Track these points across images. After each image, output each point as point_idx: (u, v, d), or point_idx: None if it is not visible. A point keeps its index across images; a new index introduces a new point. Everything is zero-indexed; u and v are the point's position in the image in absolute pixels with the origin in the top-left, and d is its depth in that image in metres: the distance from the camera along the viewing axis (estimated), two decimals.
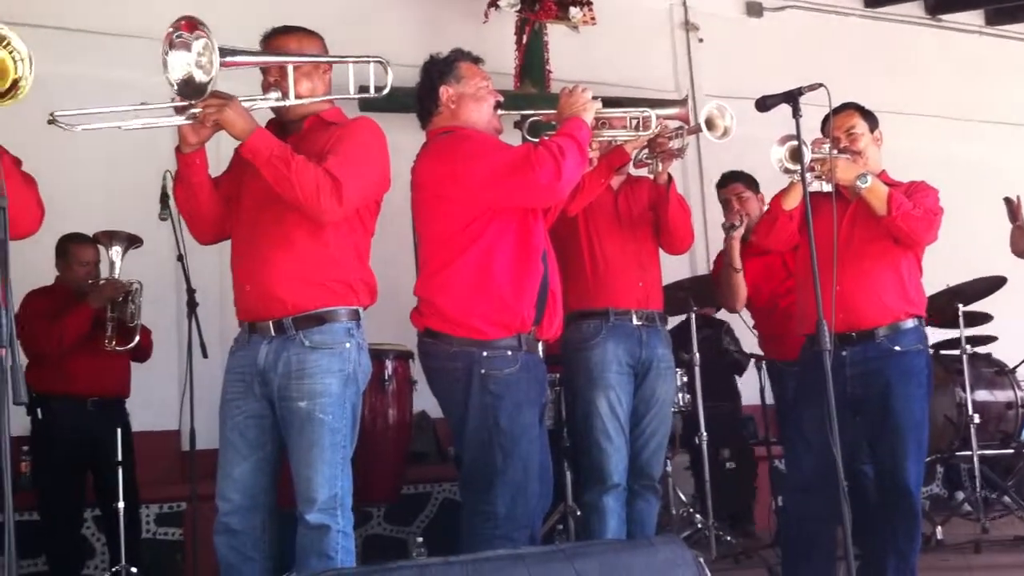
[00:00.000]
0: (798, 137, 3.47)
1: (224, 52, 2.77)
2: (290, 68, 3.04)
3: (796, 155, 3.53)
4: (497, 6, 6.65)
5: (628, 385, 4.01)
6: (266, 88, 3.10)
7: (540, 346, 3.56)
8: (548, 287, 3.41)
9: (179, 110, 2.93)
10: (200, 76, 2.79)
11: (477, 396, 3.26)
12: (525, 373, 3.31)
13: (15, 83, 2.60)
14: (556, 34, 6.92)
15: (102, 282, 4.84)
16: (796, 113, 3.43)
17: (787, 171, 3.67)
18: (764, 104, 3.47)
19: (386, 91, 3.13)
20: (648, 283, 4.12)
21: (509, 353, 3.28)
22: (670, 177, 4.02)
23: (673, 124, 3.85)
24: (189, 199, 3.13)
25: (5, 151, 2.72)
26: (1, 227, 2.20)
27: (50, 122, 2.79)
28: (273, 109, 3.15)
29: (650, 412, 4.06)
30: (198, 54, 2.78)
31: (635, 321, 4.04)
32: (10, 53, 2.60)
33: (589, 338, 4.01)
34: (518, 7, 6.65)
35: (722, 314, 6.00)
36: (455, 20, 6.69)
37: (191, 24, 2.80)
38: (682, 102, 3.96)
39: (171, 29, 2.80)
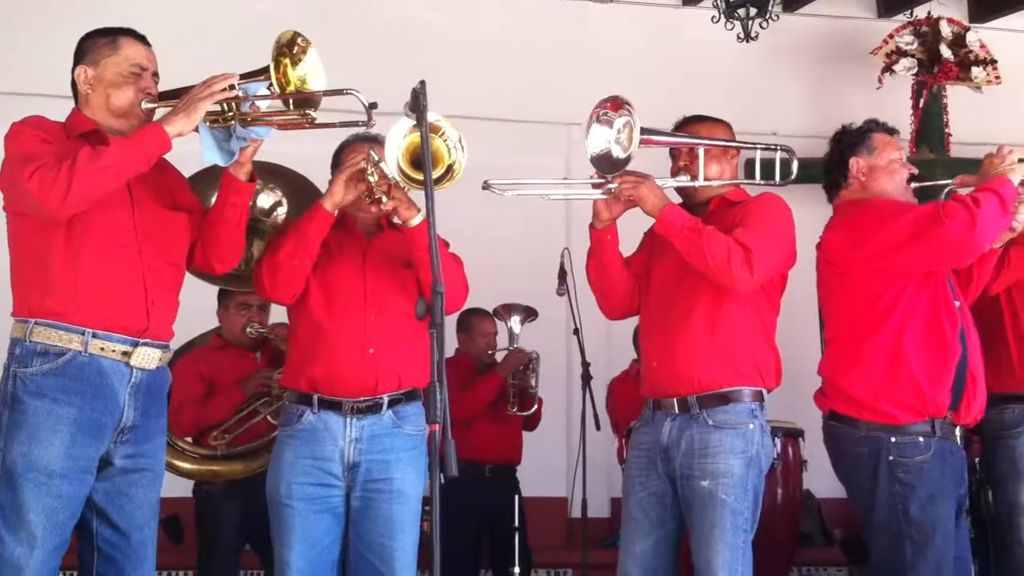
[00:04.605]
0: None
1: (644, 131, 2.90)
2: (700, 152, 3.11)
3: None
4: (892, 71, 6.42)
5: None
6: (675, 172, 3.21)
7: (958, 432, 3.31)
8: (967, 368, 3.18)
9: (596, 185, 3.08)
10: (618, 152, 2.95)
11: (885, 484, 3.11)
12: (940, 462, 3.11)
13: (450, 168, 2.85)
14: (956, 96, 6.55)
15: (509, 351, 5.10)
16: None
17: None
18: None
19: (792, 178, 3.18)
20: None
21: (921, 439, 3.10)
22: None
23: None
24: (601, 274, 3.24)
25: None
26: (438, 312, 2.33)
27: (485, 187, 3.05)
28: (681, 193, 3.23)
29: None
30: (618, 131, 2.93)
31: None
32: (444, 141, 2.85)
33: (1013, 425, 3.68)
34: (915, 70, 6.38)
35: None
36: (847, 88, 6.53)
37: (617, 103, 2.96)
38: None
39: (598, 107, 2.98)
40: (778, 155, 3.20)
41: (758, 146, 3.22)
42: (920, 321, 3.14)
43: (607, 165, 2.99)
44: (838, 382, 3.22)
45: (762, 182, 3.23)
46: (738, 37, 6.09)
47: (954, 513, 3.17)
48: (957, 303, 3.21)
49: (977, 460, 4.11)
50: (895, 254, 3.11)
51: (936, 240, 3.04)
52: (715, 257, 2.95)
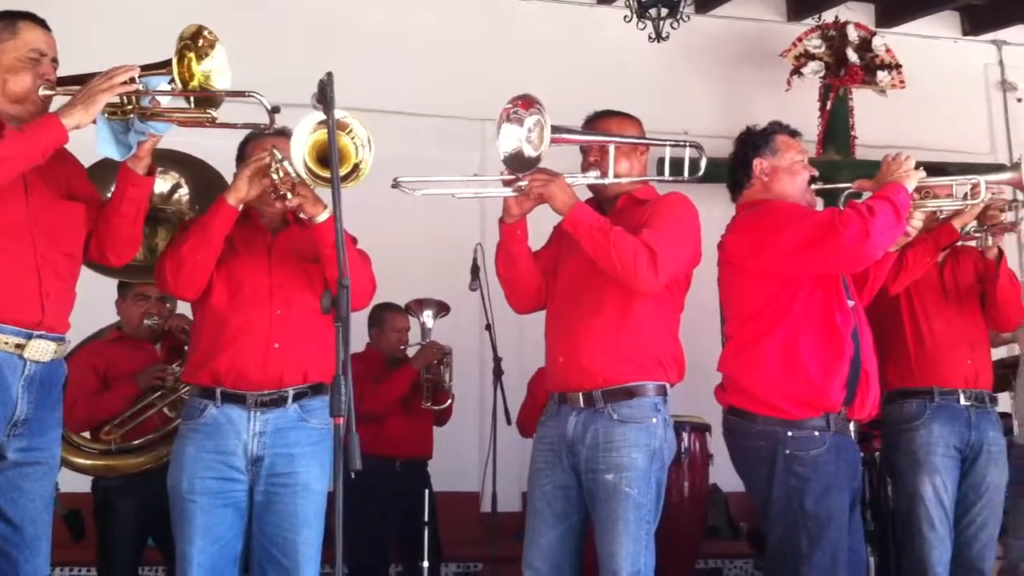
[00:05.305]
0: None
1: (555, 129, 2.91)
2: (611, 148, 3.14)
3: None
4: (800, 74, 6.57)
5: (954, 470, 3.80)
6: (586, 167, 3.22)
7: (852, 426, 3.41)
8: (860, 366, 3.26)
9: (507, 183, 3.09)
10: (529, 151, 2.95)
11: (782, 477, 3.16)
12: (834, 455, 3.18)
13: (356, 167, 2.82)
14: (862, 99, 6.73)
15: (423, 344, 5.10)
16: None
17: None
18: None
19: (700, 174, 3.20)
20: (977, 361, 3.90)
21: (816, 434, 3.17)
22: (1000, 251, 3.78)
23: (1007, 195, 3.60)
24: (509, 268, 3.25)
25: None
26: (344, 306, 2.32)
27: (394, 186, 3.02)
28: (591, 188, 3.26)
29: (981, 500, 3.82)
30: (528, 130, 2.93)
31: (963, 401, 3.83)
32: (352, 139, 2.82)
33: (912, 418, 3.83)
34: (822, 74, 6.54)
35: None
36: (757, 89, 6.67)
37: (528, 102, 2.95)
38: (1015, 166, 3.69)
39: (509, 105, 2.97)
40: (687, 151, 3.22)
41: (667, 142, 3.24)
42: (815, 320, 3.20)
43: (519, 164, 3.00)
44: (736, 378, 3.28)
45: (671, 179, 3.26)
46: (650, 37, 6.16)
47: (848, 505, 3.23)
48: (851, 303, 3.29)
49: (878, 454, 4.27)
50: (791, 260, 3.17)
51: (830, 248, 3.10)
52: (621, 258, 2.98)
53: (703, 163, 3.21)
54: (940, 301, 3.94)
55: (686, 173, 3.23)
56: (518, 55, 6.39)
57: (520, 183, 3.06)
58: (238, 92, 2.65)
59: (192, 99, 2.66)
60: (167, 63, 2.60)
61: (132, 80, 2.59)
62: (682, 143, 3.24)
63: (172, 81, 2.60)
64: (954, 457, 3.79)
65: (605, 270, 3.03)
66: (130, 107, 2.65)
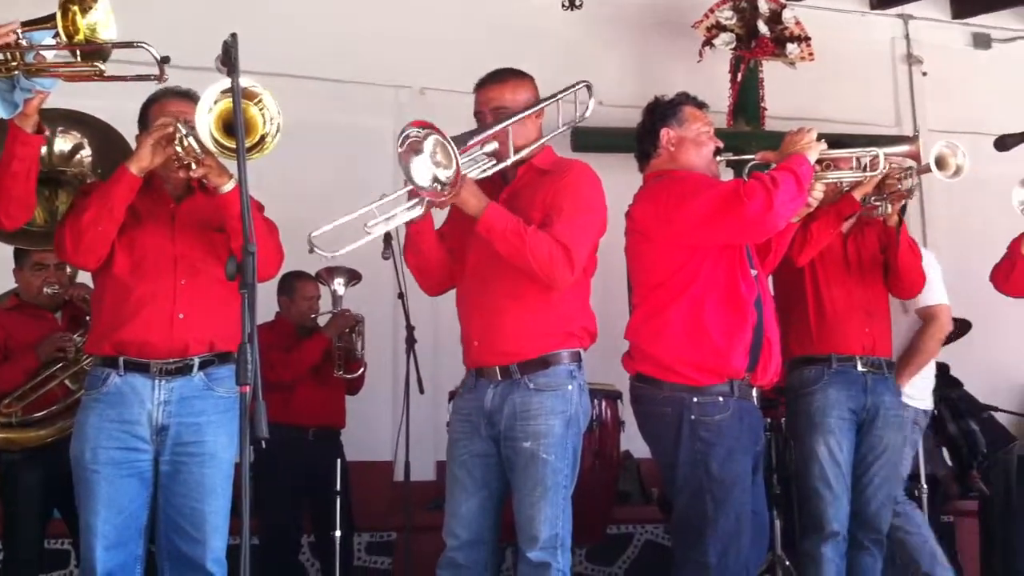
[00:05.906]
0: None
1: (457, 141, 2.86)
2: (509, 130, 3.09)
3: None
4: (712, 45, 6.61)
5: (850, 432, 3.91)
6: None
7: (755, 392, 3.48)
8: (763, 333, 3.33)
9: (413, 195, 2.99)
10: (444, 174, 2.84)
11: (688, 442, 3.22)
12: (738, 420, 3.25)
13: (262, 139, 2.77)
14: (772, 71, 6.82)
15: (335, 312, 5.07)
16: None
17: None
18: (1004, 143, 3.32)
19: (588, 112, 3.26)
20: (875, 329, 4.01)
21: (721, 399, 3.23)
22: (900, 219, 3.88)
23: (904, 163, 3.70)
24: (418, 257, 3.23)
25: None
26: (250, 271, 2.29)
27: (310, 251, 2.88)
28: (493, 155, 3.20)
29: (879, 461, 3.93)
30: (432, 154, 2.83)
31: (860, 367, 3.94)
32: (261, 111, 2.76)
33: (810, 383, 3.94)
34: (734, 45, 6.60)
35: None
36: (669, 60, 6.70)
37: (419, 124, 2.85)
38: (913, 139, 3.81)
39: (402, 136, 2.84)
40: (576, 95, 3.22)
41: (558, 95, 3.25)
42: (720, 289, 3.25)
43: (440, 185, 2.89)
44: (643, 346, 3.33)
45: (564, 127, 3.27)
46: (563, 5, 6.15)
47: (751, 469, 3.31)
48: (754, 272, 3.35)
49: (784, 420, 4.38)
50: (696, 230, 3.21)
51: (734, 218, 3.15)
52: (538, 260, 2.98)
53: (592, 102, 3.24)
54: (842, 272, 4.04)
55: (576, 116, 3.24)
56: (430, 21, 6.32)
57: (428, 197, 2.96)
58: (126, 43, 2.58)
59: (79, 53, 2.59)
60: (51, 17, 2.54)
61: (14, 33, 2.53)
62: (571, 89, 3.23)
63: (57, 35, 2.54)
64: (849, 419, 3.90)
65: (520, 270, 3.02)
66: (14, 64, 2.58)
